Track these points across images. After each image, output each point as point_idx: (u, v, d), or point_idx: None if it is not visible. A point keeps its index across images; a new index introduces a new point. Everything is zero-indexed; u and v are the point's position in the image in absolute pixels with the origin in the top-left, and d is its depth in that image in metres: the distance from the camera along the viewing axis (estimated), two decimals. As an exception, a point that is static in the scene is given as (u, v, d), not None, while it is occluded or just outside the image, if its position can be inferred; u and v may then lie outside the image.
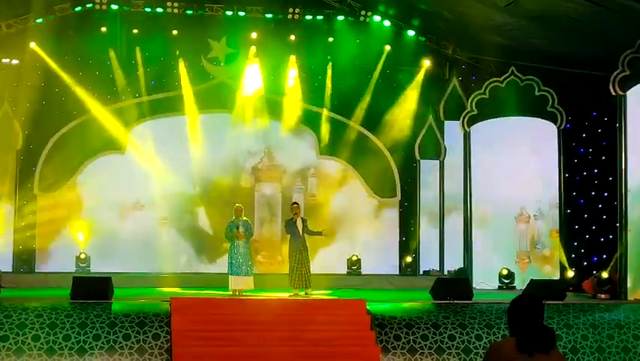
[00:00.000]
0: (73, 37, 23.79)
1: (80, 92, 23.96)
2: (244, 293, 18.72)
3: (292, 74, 24.76)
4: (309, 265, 19.16)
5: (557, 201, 23.08)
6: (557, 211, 23.10)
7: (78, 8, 23.95)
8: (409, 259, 24.66)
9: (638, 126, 19.47)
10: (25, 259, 23.69)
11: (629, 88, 19.44)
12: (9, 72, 23.77)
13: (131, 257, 24.09)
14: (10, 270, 22.84)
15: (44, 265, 24.00)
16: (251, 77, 24.59)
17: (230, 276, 18.99)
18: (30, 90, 23.70)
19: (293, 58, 24.68)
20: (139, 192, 24.59)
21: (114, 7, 23.83)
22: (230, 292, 18.80)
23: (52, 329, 14.78)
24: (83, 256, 23.37)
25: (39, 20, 23.72)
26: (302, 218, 19.39)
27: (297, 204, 19.82)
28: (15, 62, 23.82)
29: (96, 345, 14.68)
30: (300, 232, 19.10)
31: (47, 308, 15.24)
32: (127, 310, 15.58)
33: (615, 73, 19.45)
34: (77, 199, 24.31)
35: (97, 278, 18.02)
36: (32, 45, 23.58)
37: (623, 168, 19.46)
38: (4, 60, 23.83)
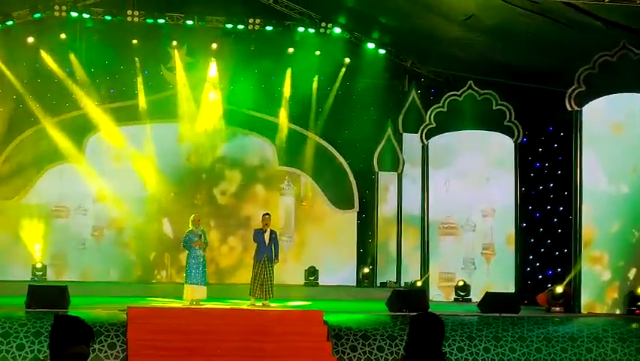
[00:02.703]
0: (31, 44, 23.53)
1: (38, 99, 23.74)
2: (201, 303, 18.65)
3: (252, 84, 24.76)
4: (272, 277, 19.10)
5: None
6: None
7: (37, 15, 23.71)
8: (366, 270, 24.67)
9: (594, 142, 19.71)
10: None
11: (585, 104, 19.68)
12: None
13: (87, 266, 23.96)
14: (-36, 278, 22.55)
15: (1, 272, 23.65)
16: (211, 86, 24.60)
17: (186, 285, 18.90)
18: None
19: (253, 68, 24.65)
20: (96, 201, 24.41)
21: (74, 14, 23.61)
22: (187, 302, 18.71)
23: (5, 338, 14.66)
24: (39, 264, 23.08)
25: (-1, 26, 23.51)
26: (271, 230, 19.34)
27: (268, 215, 19.71)
28: (-28, 67, 23.62)
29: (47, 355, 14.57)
30: (267, 243, 19.05)
31: (1, 317, 15.09)
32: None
33: (571, 89, 19.68)
34: (34, 207, 24.04)
35: (53, 287, 17.86)
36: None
37: (578, 182, 19.68)
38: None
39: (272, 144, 25.34)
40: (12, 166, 23.82)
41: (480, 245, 23.38)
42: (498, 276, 22.94)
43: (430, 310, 17.76)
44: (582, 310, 19.30)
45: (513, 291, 21.90)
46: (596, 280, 19.64)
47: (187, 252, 19.08)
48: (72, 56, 23.90)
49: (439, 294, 22.93)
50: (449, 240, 23.46)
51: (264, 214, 19.74)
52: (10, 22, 23.51)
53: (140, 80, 24.50)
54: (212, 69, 24.57)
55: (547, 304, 20.19)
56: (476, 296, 21.61)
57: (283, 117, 25.18)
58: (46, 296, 16.72)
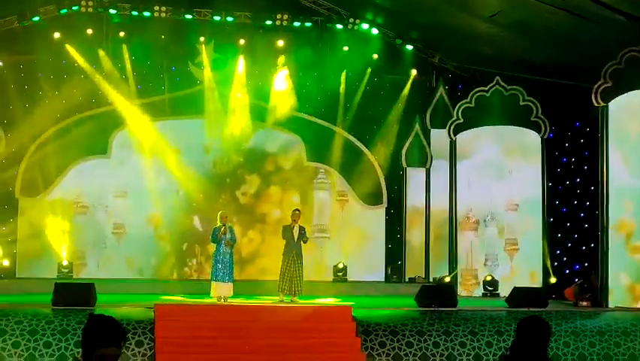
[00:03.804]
0: (58, 39, 23.56)
1: (64, 95, 23.81)
2: (228, 300, 18.68)
3: (279, 79, 24.72)
4: (301, 273, 19.16)
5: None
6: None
7: (64, 10, 23.77)
8: (394, 266, 24.64)
9: (620, 137, 19.64)
10: (5, 265, 23.35)
11: (611, 99, 19.61)
12: (-9, 74, 23.67)
13: (114, 262, 24.03)
14: (-9, 275, 22.63)
15: (25, 270, 23.68)
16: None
17: (212, 282, 18.93)
18: (13, 93, 23.56)
19: (280, 64, 24.63)
20: (123, 197, 24.44)
21: (100, 10, 23.65)
22: (214, 299, 18.74)
23: (32, 335, 14.71)
24: (65, 262, 23.09)
25: (24, 23, 23.52)
26: (300, 226, 19.37)
27: (298, 210, 19.77)
28: (-2, 64, 23.72)
29: (77, 352, 14.55)
30: (295, 239, 19.11)
31: (28, 315, 15.13)
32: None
33: (597, 84, 19.61)
34: (60, 203, 24.03)
35: (79, 284, 17.85)
36: (16, 48, 23.43)
37: (605, 177, 19.62)
38: (-13, 62, 23.72)
39: (300, 140, 25.30)
40: (37, 163, 23.77)
41: (504, 240, 23.34)
42: (524, 270, 22.91)
43: (458, 305, 17.86)
44: (609, 305, 19.24)
45: (540, 285, 21.95)
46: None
47: (214, 245, 19.15)
48: (99, 52, 23.88)
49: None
50: (471, 235, 23.43)
51: (293, 210, 19.79)
52: (36, 18, 23.58)
53: (167, 76, 24.52)
54: (240, 65, 24.53)
55: (575, 299, 20.15)
56: (504, 291, 21.59)
57: (311, 113, 25.13)
58: (72, 294, 16.75)
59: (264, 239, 24.89)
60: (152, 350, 14.97)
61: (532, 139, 23.20)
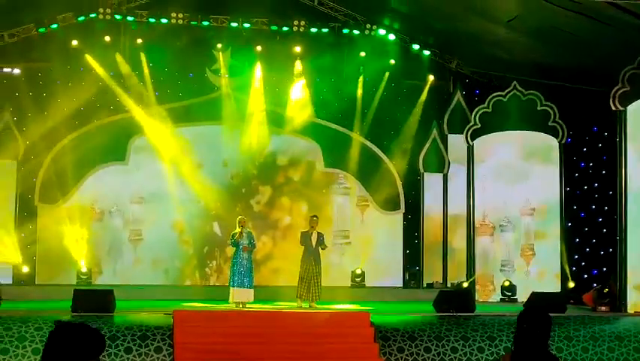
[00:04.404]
0: (76, 46, 23.65)
1: (82, 102, 23.89)
2: (247, 306, 18.70)
3: (297, 87, 24.77)
4: (319, 279, 19.19)
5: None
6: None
7: (81, 18, 23.85)
8: (412, 271, 24.61)
9: (638, 141, 19.60)
10: (25, 271, 23.39)
11: (629, 103, 19.62)
12: (10, 82, 23.65)
13: (133, 269, 24.08)
14: (10, 282, 22.59)
15: (45, 277, 23.72)
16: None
17: (231, 288, 18.96)
18: (31, 100, 23.63)
19: (298, 70, 24.66)
20: (141, 204, 24.49)
21: (118, 17, 23.73)
22: (233, 305, 18.77)
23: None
24: (84, 268, 23.14)
25: (41, 30, 23.62)
26: (319, 232, 19.41)
27: (316, 217, 19.82)
28: (17, 71, 23.64)
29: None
30: (314, 245, 19.16)
31: (48, 321, 15.18)
32: (129, 323, 15.54)
33: (615, 89, 19.60)
34: (79, 210, 24.03)
35: (98, 291, 17.94)
36: (34, 55, 23.54)
37: (623, 182, 19.59)
38: (5, 70, 23.66)
39: (318, 146, 25.30)
40: (56, 170, 23.71)
41: (519, 245, 23.31)
42: (542, 276, 22.88)
43: (476, 310, 17.85)
44: (628, 310, 19.19)
45: (559, 291, 21.92)
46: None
47: (233, 249, 19.22)
48: (117, 58, 23.91)
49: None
50: (488, 240, 23.41)
51: (311, 216, 19.82)
52: (54, 26, 23.67)
53: (184, 82, 24.59)
54: (257, 71, 24.56)
55: (594, 304, 20.11)
56: (522, 296, 21.56)
57: (328, 119, 25.14)
58: (91, 300, 16.83)
59: (276, 244, 25.00)
60: (171, 356, 15.01)
61: (549, 144, 23.17)
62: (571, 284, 22.58)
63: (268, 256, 24.76)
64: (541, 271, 23.08)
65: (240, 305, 18.63)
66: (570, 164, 23.58)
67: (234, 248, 19.20)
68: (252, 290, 18.91)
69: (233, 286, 18.88)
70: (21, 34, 23.54)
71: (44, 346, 4.62)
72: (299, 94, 24.73)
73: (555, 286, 22.40)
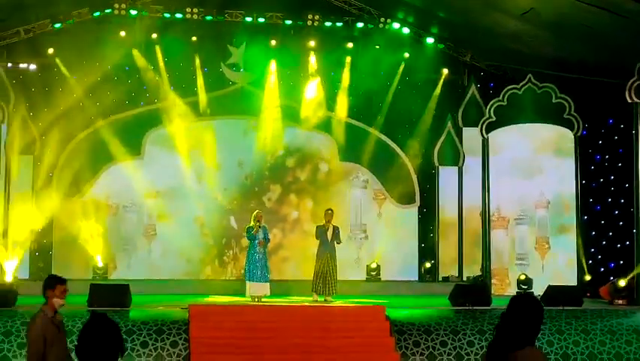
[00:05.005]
0: (91, 42, 23.69)
1: (97, 97, 23.98)
2: (263, 300, 18.73)
3: (312, 86, 24.75)
4: (335, 273, 19.19)
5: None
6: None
7: (97, 13, 23.92)
8: (427, 265, 24.57)
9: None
10: (42, 266, 23.52)
11: (645, 95, 19.53)
12: (27, 77, 23.84)
13: (149, 263, 24.14)
14: (27, 277, 22.70)
15: (61, 272, 23.69)
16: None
17: (247, 282, 19.00)
18: (47, 95, 23.73)
19: (313, 69, 24.66)
20: (157, 198, 24.55)
21: (133, 12, 23.76)
22: (249, 299, 18.80)
23: (68, 337, 14.74)
24: (100, 263, 23.21)
25: (57, 25, 23.72)
26: (334, 226, 19.39)
27: (331, 211, 19.80)
28: (33, 67, 23.86)
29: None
30: (329, 240, 19.16)
31: (64, 316, 15.22)
32: (145, 318, 15.61)
33: (631, 81, 19.54)
34: (95, 205, 24.10)
35: (114, 285, 18.03)
36: (50, 51, 23.64)
37: (639, 174, 19.51)
38: (21, 65, 23.86)
39: (332, 139, 25.28)
40: (73, 165, 23.82)
41: (535, 239, 23.26)
42: (558, 268, 22.83)
43: (492, 304, 17.83)
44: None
45: (575, 284, 21.86)
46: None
47: (247, 241, 19.30)
48: (134, 53, 23.99)
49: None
50: (503, 233, 23.37)
51: (326, 210, 19.81)
52: (70, 22, 23.76)
53: (199, 77, 24.62)
54: (272, 66, 24.58)
55: (610, 297, 20.05)
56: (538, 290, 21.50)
57: (343, 113, 25.10)
58: (107, 295, 16.93)
59: (290, 239, 25.08)
60: (187, 351, 15.07)
61: (565, 136, 23.11)
62: (587, 277, 22.49)
63: (278, 248, 24.78)
64: (557, 264, 23.00)
65: (256, 299, 18.67)
66: (586, 157, 23.49)
67: (249, 242, 19.24)
68: (267, 284, 18.96)
69: (250, 281, 18.91)
70: (37, 29, 23.63)
71: (82, 333, 4.95)
72: (313, 93, 24.71)
73: (571, 280, 22.33)
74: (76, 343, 5.08)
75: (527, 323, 5.69)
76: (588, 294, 21.16)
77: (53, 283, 9.41)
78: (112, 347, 4.96)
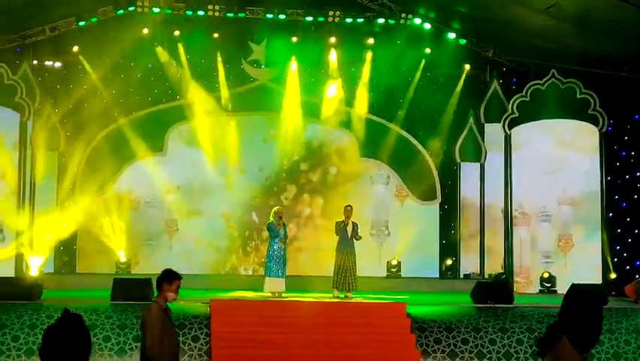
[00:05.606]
0: (115, 39, 23.78)
1: (121, 94, 24.12)
2: (283, 295, 18.72)
3: (332, 87, 24.72)
4: (355, 269, 19.13)
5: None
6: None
7: (120, 11, 24.04)
8: (449, 262, 24.48)
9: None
10: (66, 260, 23.87)
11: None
12: (52, 75, 24.14)
13: (170, 258, 24.17)
14: (52, 271, 23.07)
15: (85, 266, 24.09)
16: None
17: (267, 278, 19.01)
18: (72, 92, 23.93)
19: (333, 67, 24.66)
20: (179, 194, 24.65)
21: (156, 9, 23.87)
22: (268, 294, 18.80)
23: (92, 330, 14.86)
24: (123, 258, 23.43)
25: (82, 23, 23.84)
26: (353, 222, 19.34)
27: (350, 207, 19.73)
28: (58, 64, 24.13)
29: (136, 346, 14.77)
30: (349, 236, 19.11)
31: (88, 309, 15.36)
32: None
33: (657, 76, 19.39)
34: (117, 200, 24.29)
35: (137, 280, 18.07)
36: (75, 49, 23.78)
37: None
38: (47, 63, 24.12)
39: (353, 135, 25.26)
40: (96, 161, 24.04)
41: (558, 236, 23.12)
42: (582, 266, 22.68)
43: (515, 302, 17.71)
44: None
45: (600, 282, 21.70)
46: None
47: (267, 235, 19.34)
48: (157, 50, 24.16)
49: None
50: (525, 230, 23.25)
51: (345, 206, 19.75)
52: (94, 19, 23.88)
53: (221, 73, 24.66)
54: (293, 62, 24.59)
55: (636, 296, 19.89)
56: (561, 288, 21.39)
57: (363, 109, 25.06)
58: (130, 289, 17.03)
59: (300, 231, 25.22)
60: (208, 345, 15.08)
61: (589, 132, 22.96)
62: (612, 275, 22.34)
63: (296, 245, 24.86)
64: (581, 262, 22.84)
65: (276, 295, 18.67)
66: (611, 153, 23.32)
67: (270, 238, 19.26)
68: (283, 280, 18.95)
69: (269, 276, 18.92)
70: (62, 28, 23.76)
71: (47, 332, 4.72)
72: (334, 93, 24.69)
73: (596, 278, 22.18)
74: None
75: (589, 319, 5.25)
76: (613, 292, 21.00)
77: (172, 278, 9.69)
78: (79, 353, 4.64)
